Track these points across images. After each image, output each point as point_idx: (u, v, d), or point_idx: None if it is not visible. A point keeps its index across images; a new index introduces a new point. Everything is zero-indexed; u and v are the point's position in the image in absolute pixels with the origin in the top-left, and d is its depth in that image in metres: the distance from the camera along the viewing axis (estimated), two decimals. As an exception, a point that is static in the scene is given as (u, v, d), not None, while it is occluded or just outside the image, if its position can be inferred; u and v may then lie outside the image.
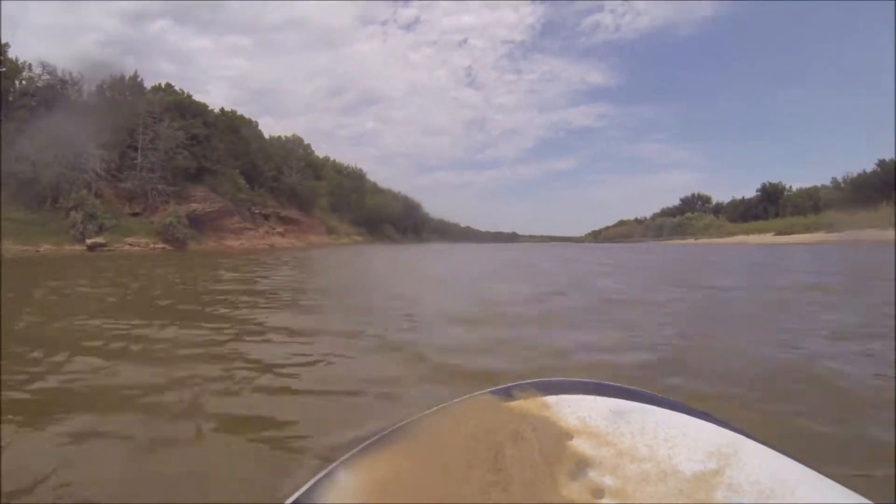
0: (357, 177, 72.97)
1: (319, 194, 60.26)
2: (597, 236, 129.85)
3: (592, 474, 0.57)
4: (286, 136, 62.95)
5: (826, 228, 51.90)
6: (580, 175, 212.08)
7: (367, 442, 0.65)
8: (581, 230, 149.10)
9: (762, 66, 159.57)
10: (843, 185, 64.63)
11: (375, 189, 77.01)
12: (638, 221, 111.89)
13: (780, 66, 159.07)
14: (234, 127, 46.51)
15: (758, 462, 0.58)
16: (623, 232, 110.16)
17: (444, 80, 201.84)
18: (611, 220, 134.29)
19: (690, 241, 72.74)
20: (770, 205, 74.92)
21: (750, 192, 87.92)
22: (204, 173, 36.64)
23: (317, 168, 64.17)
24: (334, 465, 0.61)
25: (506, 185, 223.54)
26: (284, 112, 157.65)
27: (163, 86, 41.55)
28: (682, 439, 0.61)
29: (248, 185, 37.85)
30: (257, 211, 37.44)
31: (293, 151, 60.77)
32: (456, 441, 0.60)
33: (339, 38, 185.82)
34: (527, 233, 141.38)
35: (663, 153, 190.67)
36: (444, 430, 0.63)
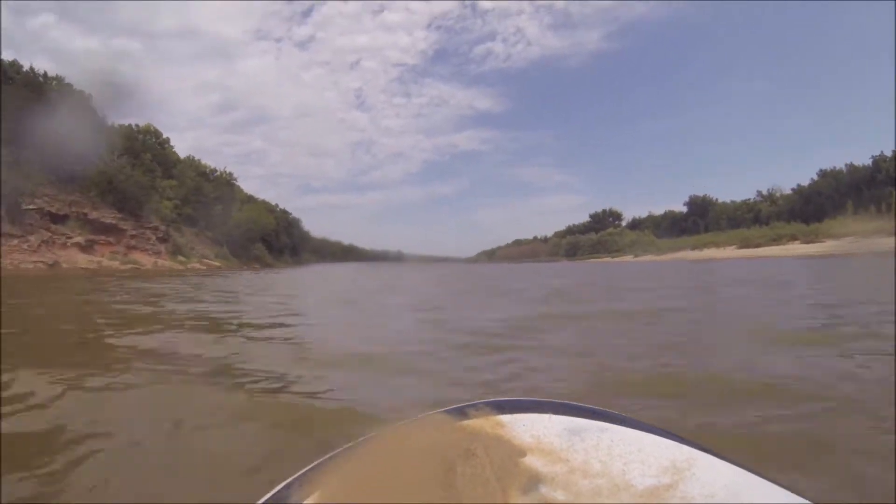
0: (224, 183, 58.98)
1: (167, 197, 45.91)
2: (491, 256, 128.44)
3: (544, 490, 0.56)
4: (138, 126, 48.01)
5: (802, 239, 53.18)
6: (466, 198, 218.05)
7: (319, 461, 0.64)
8: (469, 250, 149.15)
9: (645, 96, 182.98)
10: (767, 197, 67.98)
11: (247, 199, 63.24)
12: (539, 240, 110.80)
13: (662, 98, 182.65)
14: (33, 84, 31.83)
15: (713, 475, 0.58)
16: (525, 251, 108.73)
17: (333, 102, 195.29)
18: (497, 241, 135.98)
19: (628, 258, 69.36)
20: (700, 218, 74.93)
21: (631, 214, 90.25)
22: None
23: (168, 166, 49.57)
24: (283, 484, 0.60)
25: (392, 207, 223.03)
26: (170, 127, 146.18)
27: None
28: (636, 455, 0.61)
29: (20, 166, 23.61)
30: (33, 207, 23.05)
31: (144, 142, 46.17)
32: (407, 460, 0.59)
33: (232, 51, 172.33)
34: (414, 253, 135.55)
35: (546, 176, 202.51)
36: (395, 448, 0.62)
